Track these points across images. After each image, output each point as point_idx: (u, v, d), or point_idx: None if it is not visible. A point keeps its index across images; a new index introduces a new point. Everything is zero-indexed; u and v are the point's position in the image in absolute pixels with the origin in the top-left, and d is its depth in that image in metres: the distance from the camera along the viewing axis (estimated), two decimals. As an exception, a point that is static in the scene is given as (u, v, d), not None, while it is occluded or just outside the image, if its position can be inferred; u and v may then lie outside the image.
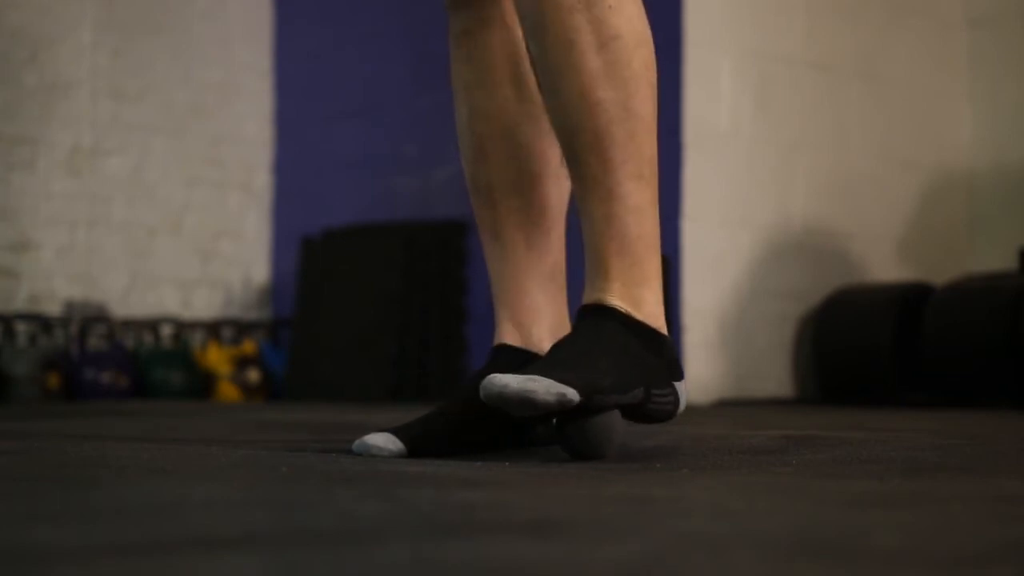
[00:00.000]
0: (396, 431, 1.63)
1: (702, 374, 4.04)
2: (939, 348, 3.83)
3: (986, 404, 3.74)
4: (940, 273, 4.43)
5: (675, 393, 1.64)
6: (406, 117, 4.73)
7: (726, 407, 3.84)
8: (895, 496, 1.22)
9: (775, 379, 4.25)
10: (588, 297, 1.63)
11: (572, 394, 1.50)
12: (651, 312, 1.63)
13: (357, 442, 1.61)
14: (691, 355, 4.02)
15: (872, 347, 4.02)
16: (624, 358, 1.58)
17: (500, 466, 1.49)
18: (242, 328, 4.99)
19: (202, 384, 4.72)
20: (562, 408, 1.51)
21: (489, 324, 1.82)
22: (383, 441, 1.61)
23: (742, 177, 4.18)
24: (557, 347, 1.60)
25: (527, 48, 1.66)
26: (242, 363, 4.77)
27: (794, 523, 1.01)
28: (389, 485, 1.25)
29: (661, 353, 1.63)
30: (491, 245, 1.82)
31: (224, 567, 0.75)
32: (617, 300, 1.61)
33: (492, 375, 1.51)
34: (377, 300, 4.45)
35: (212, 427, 2.46)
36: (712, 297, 4.08)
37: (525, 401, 1.49)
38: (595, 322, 1.61)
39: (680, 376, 1.66)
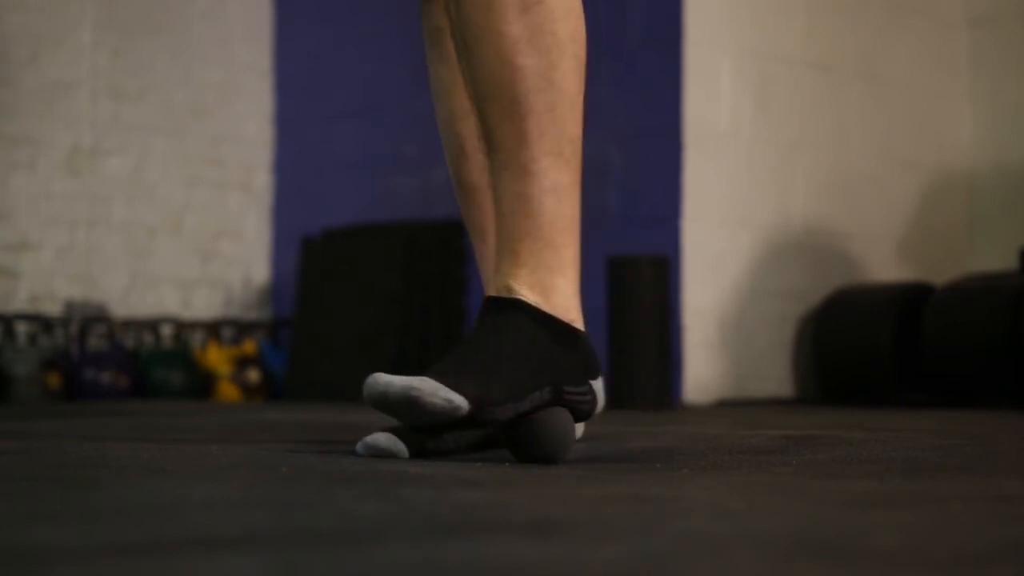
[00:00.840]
0: (397, 431, 1.62)
1: (702, 374, 4.04)
2: (939, 348, 3.83)
3: (986, 404, 3.74)
4: (940, 273, 4.43)
5: (592, 391, 1.56)
6: (406, 117, 4.73)
7: (726, 407, 3.84)
8: (895, 496, 1.22)
9: (775, 379, 4.25)
10: (496, 284, 1.55)
11: (460, 401, 1.44)
12: (563, 303, 1.54)
13: (359, 443, 1.61)
14: (691, 355, 4.02)
15: (872, 347, 4.02)
16: (529, 359, 1.50)
17: (500, 466, 1.49)
18: (242, 328, 4.99)
19: (202, 384, 4.72)
20: (451, 416, 1.45)
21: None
22: (384, 441, 1.60)
23: (742, 177, 4.18)
24: (457, 349, 1.53)
25: (446, 10, 1.57)
26: (242, 363, 4.77)
27: (794, 523, 1.01)
28: (389, 485, 1.25)
29: (575, 349, 1.54)
30: (478, 244, 1.82)
31: (224, 567, 0.75)
32: (525, 289, 1.52)
33: (376, 374, 1.45)
34: (377, 300, 4.45)
35: (212, 427, 2.46)
36: (712, 297, 4.08)
37: (410, 402, 1.43)
38: (500, 318, 1.52)
39: (596, 374, 1.57)
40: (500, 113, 1.52)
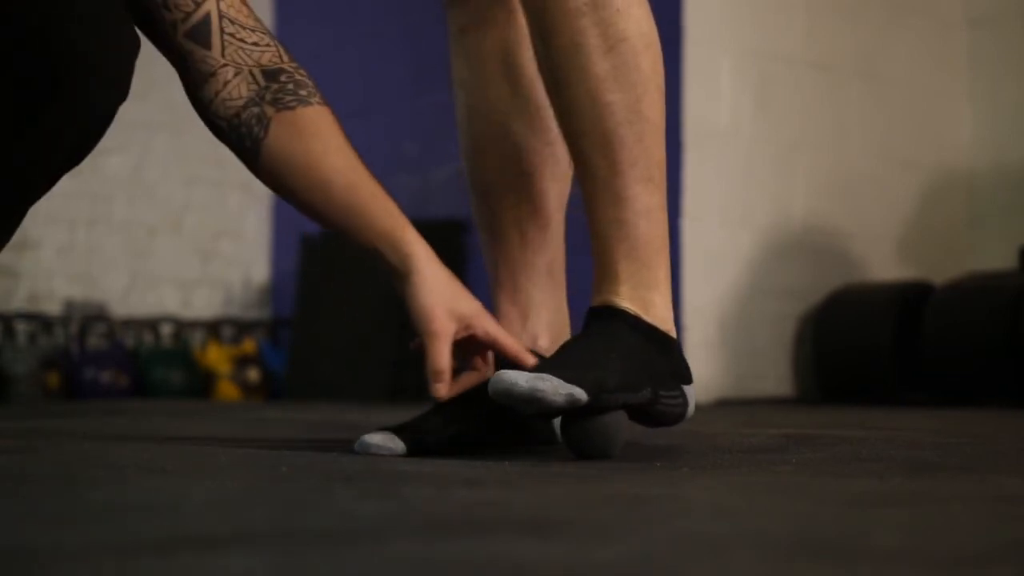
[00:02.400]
0: (396, 430, 1.62)
1: (702, 373, 4.04)
2: (939, 347, 3.83)
3: (986, 403, 3.74)
4: (940, 272, 4.43)
5: (684, 396, 1.64)
6: (406, 116, 4.73)
7: (726, 406, 3.84)
8: (895, 495, 1.22)
9: (775, 378, 4.25)
10: (597, 300, 1.63)
11: (580, 394, 1.50)
12: (660, 315, 1.63)
13: (357, 441, 1.61)
14: (691, 354, 4.02)
15: (872, 346, 4.02)
16: (632, 359, 1.58)
17: (500, 465, 1.49)
18: (242, 327, 4.99)
19: (202, 383, 4.72)
20: (571, 408, 1.51)
21: (489, 323, 1.82)
22: (383, 440, 1.60)
23: (742, 176, 4.18)
24: (566, 346, 1.60)
25: (535, 50, 1.65)
26: (242, 362, 4.77)
27: (794, 522, 1.01)
28: (389, 484, 1.25)
29: (670, 356, 1.64)
30: (488, 242, 1.83)
31: (224, 567, 0.75)
32: (626, 303, 1.61)
33: (501, 371, 1.51)
34: (377, 299, 4.45)
35: (212, 426, 2.46)
36: (712, 296, 4.08)
37: (534, 400, 1.49)
38: (604, 323, 1.60)
39: (689, 380, 1.66)
40: (592, 147, 1.60)
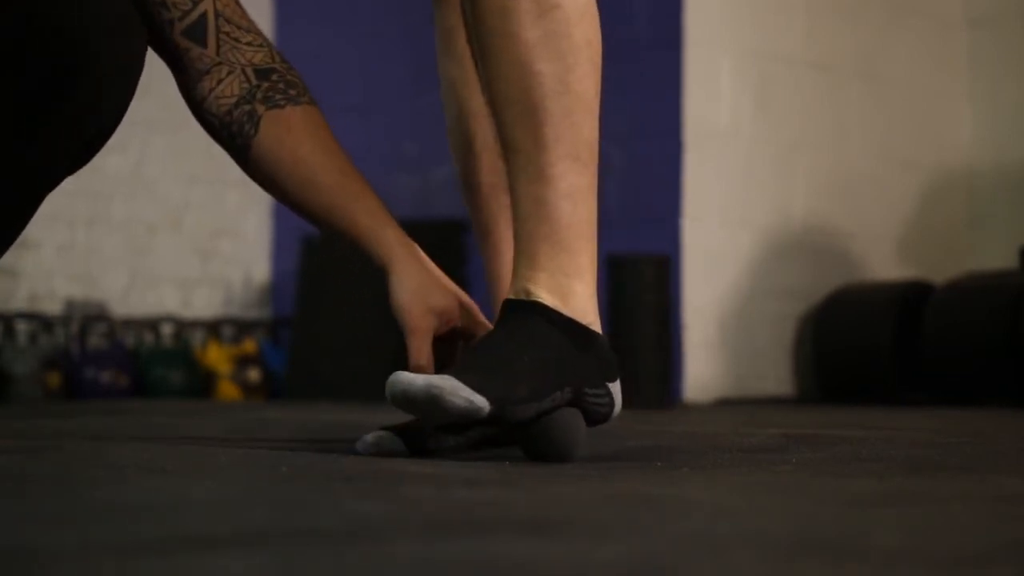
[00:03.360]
0: (396, 430, 1.62)
1: (702, 373, 4.04)
2: (939, 347, 3.83)
3: (986, 403, 3.75)
4: (940, 272, 4.43)
5: (610, 394, 1.56)
6: (406, 116, 4.73)
7: (726, 406, 3.84)
8: (895, 495, 1.22)
9: (775, 378, 4.25)
10: (514, 288, 1.55)
11: (481, 402, 1.43)
12: (581, 306, 1.54)
13: (358, 441, 1.61)
14: (691, 354, 4.02)
15: (872, 346, 4.02)
16: (548, 359, 1.50)
17: (500, 465, 1.49)
18: (242, 327, 4.99)
19: (202, 383, 4.71)
20: (472, 416, 1.45)
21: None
22: (383, 440, 1.60)
23: (742, 176, 4.18)
24: (475, 349, 1.54)
25: (463, 12, 1.58)
26: (242, 362, 4.77)
27: (794, 522, 1.01)
28: (389, 484, 1.25)
29: (593, 351, 1.54)
30: (483, 242, 1.82)
31: (224, 566, 0.75)
32: (544, 292, 1.52)
33: (397, 372, 1.45)
34: (377, 299, 4.44)
35: (212, 426, 2.46)
36: (712, 296, 4.08)
37: (431, 400, 1.43)
38: (519, 319, 1.52)
39: (614, 377, 1.57)
40: (517, 118, 1.53)
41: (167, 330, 4.85)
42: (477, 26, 1.54)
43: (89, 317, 4.64)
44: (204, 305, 5.02)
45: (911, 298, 4.03)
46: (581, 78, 1.53)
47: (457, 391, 1.43)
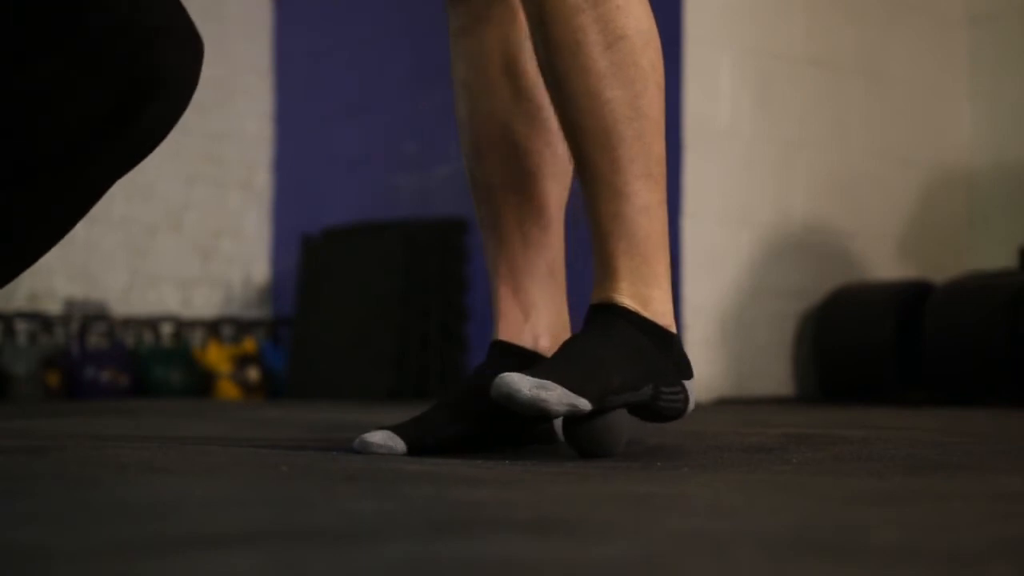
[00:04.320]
0: (396, 429, 1.63)
1: (702, 372, 4.04)
2: (939, 346, 3.83)
3: (986, 402, 3.74)
4: (940, 271, 4.43)
5: (684, 391, 1.66)
6: (406, 115, 4.73)
7: (726, 405, 3.84)
8: (895, 494, 1.22)
9: (775, 377, 4.25)
10: (597, 296, 1.64)
11: (584, 404, 1.52)
12: (659, 310, 1.64)
13: (357, 440, 1.62)
14: (691, 353, 4.01)
15: (872, 345, 4.02)
16: (633, 356, 1.60)
17: (500, 464, 1.49)
18: (242, 326, 4.99)
19: (202, 382, 4.72)
20: (573, 415, 1.53)
21: (490, 322, 1.82)
22: (383, 439, 1.61)
23: (742, 175, 4.18)
24: (567, 346, 1.61)
25: (534, 46, 1.66)
26: (242, 361, 4.78)
27: (794, 521, 1.01)
28: (389, 483, 1.25)
29: (670, 351, 1.65)
30: (490, 242, 1.83)
31: (224, 566, 0.75)
32: (626, 299, 1.63)
33: (505, 375, 1.51)
34: (377, 298, 4.45)
35: (212, 426, 2.46)
36: (712, 295, 4.08)
37: (536, 410, 1.50)
38: (604, 321, 1.62)
39: (690, 375, 1.68)
40: (592, 143, 1.61)
41: (167, 330, 4.85)
42: (548, 58, 1.62)
43: (89, 317, 4.64)
44: (204, 305, 5.02)
45: (911, 298, 4.03)
46: (649, 102, 1.62)
47: (563, 400, 1.51)
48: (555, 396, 1.50)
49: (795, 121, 4.33)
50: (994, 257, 4.46)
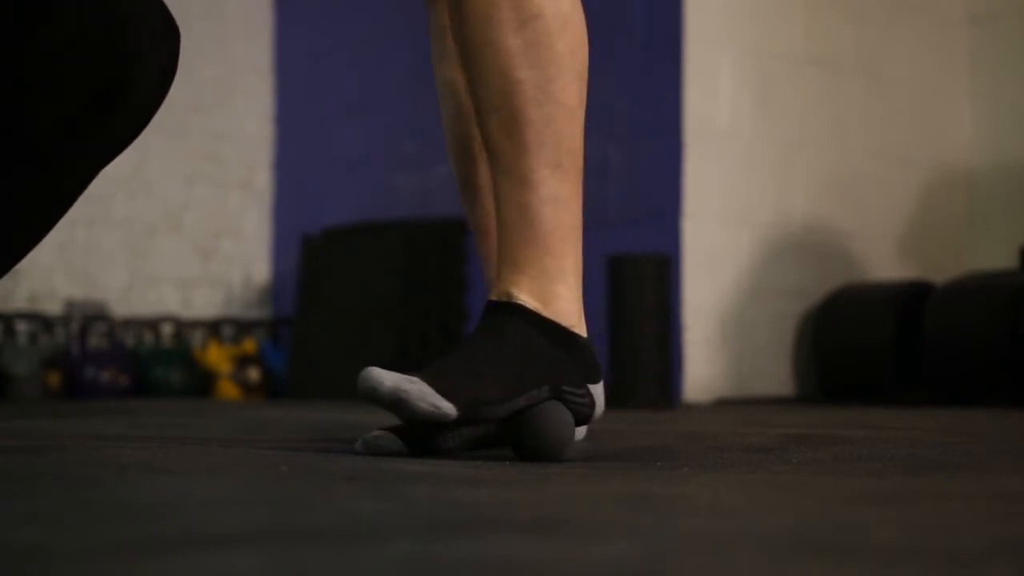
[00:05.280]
0: (396, 429, 1.62)
1: (702, 372, 4.04)
2: (939, 346, 3.83)
3: (986, 402, 3.75)
4: (940, 271, 4.43)
5: (589, 395, 1.58)
6: (405, 115, 4.73)
7: (726, 405, 3.84)
8: (895, 494, 1.22)
9: (775, 377, 4.25)
10: (496, 290, 1.58)
11: (448, 408, 1.46)
12: (563, 309, 1.56)
13: (358, 441, 1.61)
14: (691, 353, 4.02)
15: (872, 345, 4.02)
16: (525, 360, 1.53)
17: (500, 464, 1.49)
18: (242, 327, 4.99)
19: (202, 383, 4.72)
20: (438, 421, 1.48)
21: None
22: (383, 439, 1.60)
23: (742, 175, 4.18)
24: (456, 349, 1.55)
25: (449, 19, 1.60)
26: (242, 362, 4.77)
27: (794, 521, 1.01)
28: (389, 483, 1.25)
29: (573, 352, 1.57)
30: (481, 242, 1.83)
31: (224, 566, 0.75)
32: (525, 295, 1.56)
33: (370, 369, 1.47)
34: (377, 298, 4.45)
35: (212, 426, 2.46)
36: (712, 295, 4.08)
37: (398, 403, 1.46)
38: (498, 320, 1.55)
39: (596, 379, 1.59)
40: (499, 124, 1.55)
41: (167, 330, 4.85)
42: (461, 33, 1.56)
43: (89, 317, 4.64)
44: (204, 305, 5.02)
45: (911, 297, 4.03)
46: (564, 87, 1.55)
47: (424, 397, 1.46)
48: (417, 390, 1.45)
49: (795, 121, 4.33)
50: (994, 257, 4.46)
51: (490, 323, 1.56)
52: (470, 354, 1.53)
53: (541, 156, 1.54)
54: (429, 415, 1.46)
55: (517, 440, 1.53)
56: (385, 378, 1.46)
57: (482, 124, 1.57)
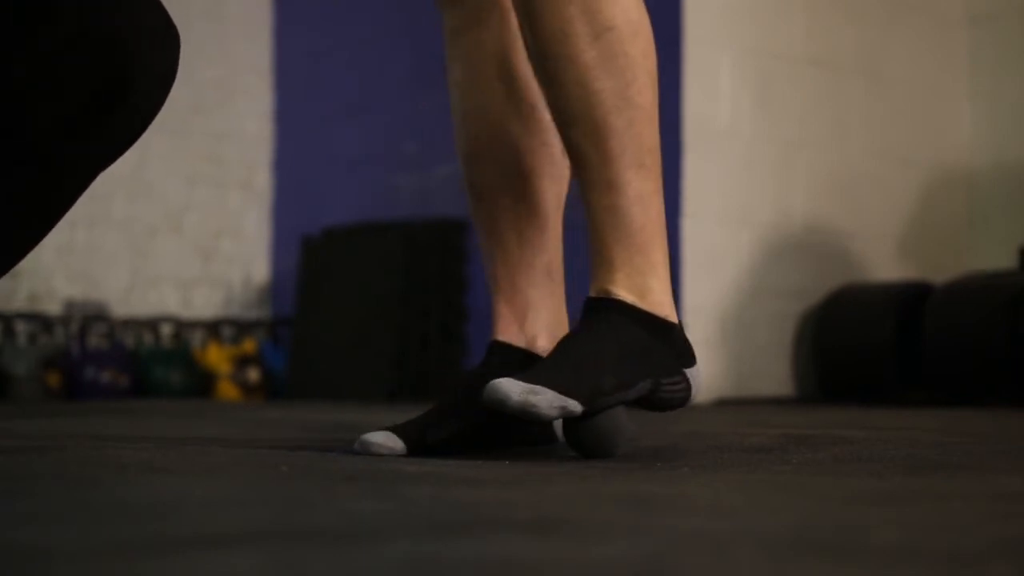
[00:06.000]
0: (395, 429, 1.62)
1: (702, 372, 4.04)
2: (939, 347, 3.83)
3: (986, 403, 3.74)
4: (940, 271, 4.43)
5: (686, 380, 1.65)
6: (406, 115, 4.73)
7: (726, 405, 3.84)
8: (895, 494, 1.22)
9: (775, 377, 4.25)
10: (593, 289, 1.64)
11: (574, 406, 1.52)
12: (657, 300, 1.63)
13: (357, 441, 1.62)
14: (691, 353, 4.02)
15: (872, 345, 4.02)
16: (629, 352, 1.59)
17: (500, 464, 1.49)
18: (242, 327, 4.99)
19: (202, 383, 4.72)
20: (565, 416, 1.53)
21: (490, 322, 1.82)
22: (383, 439, 1.61)
23: (742, 175, 4.18)
24: (561, 346, 1.60)
25: (524, 40, 1.65)
26: (242, 362, 4.77)
27: (794, 521, 1.01)
28: (389, 483, 1.25)
29: (670, 341, 1.64)
30: (486, 243, 1.83)
31: (224, 566, 0.75)
32: (622, 291, 1.62)
33: (496, 381, 1.51)
34: (377, 299, 4.45)
35: (212, 426, 2.46)
36: (712, 295, 4.08)
37: (527, 415, 1.51)
38: (600, 316, 1.61)
39: (691, 362, 1.67)
40: (583, 135, 1.61)
41: (167, 330, 4.85)
42: (537, 51, 1.62)
43: (89, 317, 4.64)
44: (204, 305, 5.02)
45: (911, 297, 4.03)
46: (640, 90, 1.62)
47: (553, 403, 1.51)
48: (545, 400, 1.50)
49: (795, 121, 4.33)
50: (994, 257, 4.46)
51: (592, 319, 1.62)
52: (580, 350, 1.59)
53: (625, 160, 1.61)
54: (559, 417, 1.53)
55: (580, 441, 1.58)
56: (512, 393, 1.50)
57: (565, 136, 1.63)
